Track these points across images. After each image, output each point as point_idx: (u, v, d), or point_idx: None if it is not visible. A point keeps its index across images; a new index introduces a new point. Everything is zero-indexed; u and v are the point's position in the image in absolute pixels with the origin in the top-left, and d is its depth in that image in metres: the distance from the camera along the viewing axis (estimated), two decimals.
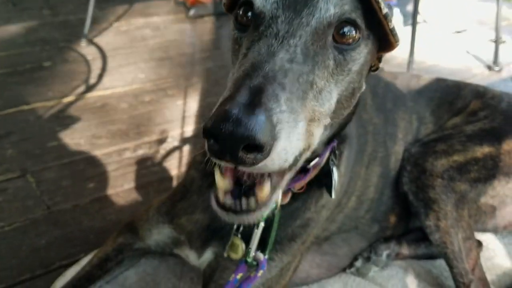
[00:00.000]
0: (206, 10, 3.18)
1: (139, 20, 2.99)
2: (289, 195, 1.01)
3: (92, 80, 2.27)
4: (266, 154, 0.61)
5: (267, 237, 1.01)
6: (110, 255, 1.24)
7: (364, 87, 0.90)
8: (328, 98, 0.76)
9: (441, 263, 1.40)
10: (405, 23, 2.82)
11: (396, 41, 0.84)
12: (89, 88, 2.21)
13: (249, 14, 0.78)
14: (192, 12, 3.17)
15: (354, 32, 0.77)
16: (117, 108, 2.09)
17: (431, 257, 1.43)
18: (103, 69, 2.39)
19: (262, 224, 0.99)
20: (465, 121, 1.42)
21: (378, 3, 0.75)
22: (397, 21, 2.76)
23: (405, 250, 1.41)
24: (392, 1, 2.78)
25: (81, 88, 2.20)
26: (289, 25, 0.72)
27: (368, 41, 0.81)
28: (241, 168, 0.64)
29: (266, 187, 0.73)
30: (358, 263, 1.36)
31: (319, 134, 0.78)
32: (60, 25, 2.79)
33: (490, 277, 1.33)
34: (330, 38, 0.76)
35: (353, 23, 0.76)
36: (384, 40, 0.85)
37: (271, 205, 0.76)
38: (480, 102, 1.48)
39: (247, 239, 1.00)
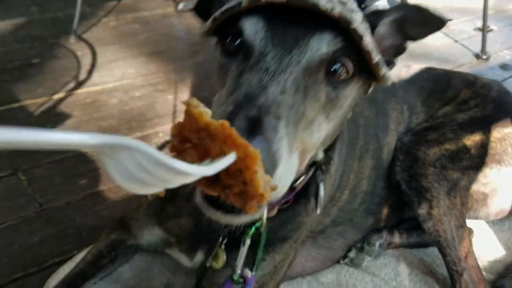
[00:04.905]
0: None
1: (128, 15, 2.97)
2: (276, 209, 0.96)
3: (82, 76, 2.26)
4: None
5: (253, 252, 0.98)
6: (104, 252, 1.23)
7: (350, 114, 0.90)
8: (318, 129, 0.76)
9: (433, 251, 1.40)
10: None
11: (387, 82, 0.82)
12: (79, 84, 2.19)
13: (238, 42, 0.77)
14: (181, 6, 3.15)
15: (345, 70, 0.76)
16: (108, 103, 2.08)
17: (423, 245, 1.44)
18: (93, 65, 2.37)
19: (248, 242, 0.95)
20: (456, 110, 1.43)
21: (369, 53, 0.74)
22: None
23: (397, 239, 1.42)
24: None
25: (71, 85, 2.19)
26: (279, 63, 0.71)
27: (359, 77, 0.80)
28: None
29: None
30: (352, 254, 1.36)
31: (305, 164, 0.79)
32: (48, 22, 2.76)
33: (481, 264, 1.34)
34: (321, 74, 0.75)
35: (344, 62, 0.76)
36: (372, 75, 0.82)
37: (262, 212, 0.77)
38: (470, 91, 1.49)
39: (231, 251, 0.98)
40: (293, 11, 0.73)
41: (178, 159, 0.44)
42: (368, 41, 0.73)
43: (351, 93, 0.80)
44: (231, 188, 0.49)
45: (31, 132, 0.30)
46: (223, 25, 0.79)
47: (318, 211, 1.02)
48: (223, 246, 0.99)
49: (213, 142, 0.48)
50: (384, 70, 0.78)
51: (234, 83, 0.72)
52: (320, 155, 0.91)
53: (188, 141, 0.49)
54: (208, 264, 1.01)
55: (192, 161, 0.48)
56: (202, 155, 0.49)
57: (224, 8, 0.77)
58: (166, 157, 0.38)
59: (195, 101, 0.49)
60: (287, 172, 0.65)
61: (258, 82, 0.68)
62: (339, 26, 0.73)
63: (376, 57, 0.76)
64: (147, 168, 0.38)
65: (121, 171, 0.38)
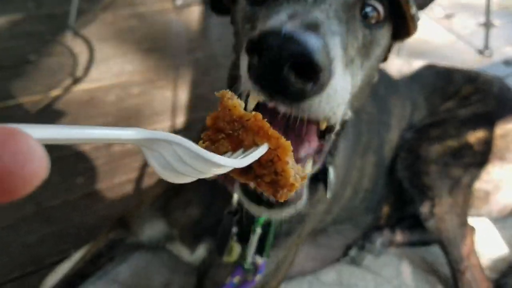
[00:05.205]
0: None
1: (125, 10, 2.95)
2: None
3: (79, 73, 2.24)
4: (320, 86, 0.55)
5: (263, 240, 0.98)
6: (103, 251, 1.22)
7: (376, 78, 0.89)
8: (356, 73, 0.72)
9: (435, 250, 1.40)
10: None
11: (415, 28, 0.81)
12: (76, 81, 2.17)
13: None
14: (179, 1, 3.13)
15: (376, 13, 0.75)
16: (105, 101, 2.06)
17: (425, 243, 1.43)
18: (90, 61, 2.35)
19: (259, 231, 0.96)
20: (458, 106, 1.42)
21: None
22: None
23: (399, 237, 1.41)
24: None
25: (68, 82, 2.17)
26: None
27: (389, 23, 0.79)
28: (282, 107, 0.57)
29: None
30: (353, 252, 1.35)
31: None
32: (45, 18, 2.74)
33: (484, 262, 1.33)
34: (358, 12, 0.73)
35: (375, 5, 0.75)
36: (400, 27, 0.82)
37: (305, 197, 0.76)
38: (472, 86, 1.48)
39: (241, 242, 0.98)
40: None
41: (212, 148, 0.49)
42: None
43: (382, 38, 0.78)
44: (263, 177, 0.51)
45: (84, 129, 0.33)
46: None
47: (328, 195, 0.98)
48: (235, 238, 0.99)
49: (246, 133, 0.50)
50: (414, 9, 0.78)
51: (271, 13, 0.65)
52: (349, 114, 0.89)
53: (222, 132, 0.51)
54: (224, 259, 1.00)
55: (225, 151, 0.51)
56: (235, 145, 0.51)
57: None
58: (202, 150, 0.41)
59: (229, 93, 0.51)
60: (342, 87, 0.60)
61: (302, 6, 0.63)
62: None
63: None
64: (185, 160, 0.41)
65: (161, 162, 0.42)
